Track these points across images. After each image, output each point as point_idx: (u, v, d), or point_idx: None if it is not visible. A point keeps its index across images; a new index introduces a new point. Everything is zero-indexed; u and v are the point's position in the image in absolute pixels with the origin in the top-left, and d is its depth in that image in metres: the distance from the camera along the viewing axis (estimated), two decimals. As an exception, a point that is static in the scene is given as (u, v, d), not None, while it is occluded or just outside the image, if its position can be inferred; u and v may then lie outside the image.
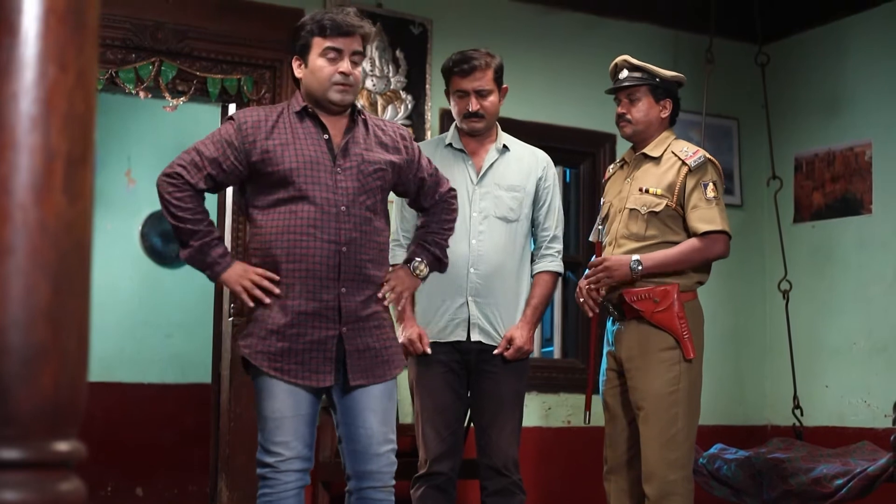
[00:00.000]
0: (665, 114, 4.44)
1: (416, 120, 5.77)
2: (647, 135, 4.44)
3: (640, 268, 4.23)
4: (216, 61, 5.39)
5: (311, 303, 3.48)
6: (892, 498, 5.08)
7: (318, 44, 3.56)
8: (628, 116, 4.42)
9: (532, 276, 4.48)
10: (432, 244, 3.80)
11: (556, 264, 4.45)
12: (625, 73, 4.44)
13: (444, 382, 4.29)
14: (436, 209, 3.82)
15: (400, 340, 4.14)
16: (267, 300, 3.48)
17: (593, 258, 4.45)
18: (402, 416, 5.38)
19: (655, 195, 4.34)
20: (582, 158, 6.40)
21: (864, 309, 6.22)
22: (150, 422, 7.38)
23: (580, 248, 6.30)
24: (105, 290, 7.05)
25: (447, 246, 3.86)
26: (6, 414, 1.11)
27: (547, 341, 6.80)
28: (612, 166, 4.70)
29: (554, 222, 4.45)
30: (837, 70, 6.50)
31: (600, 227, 4.57)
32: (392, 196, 3.95)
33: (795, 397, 5.98)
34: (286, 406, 3.47)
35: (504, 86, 4.38)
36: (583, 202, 6.37)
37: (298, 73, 3.63)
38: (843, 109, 6.43)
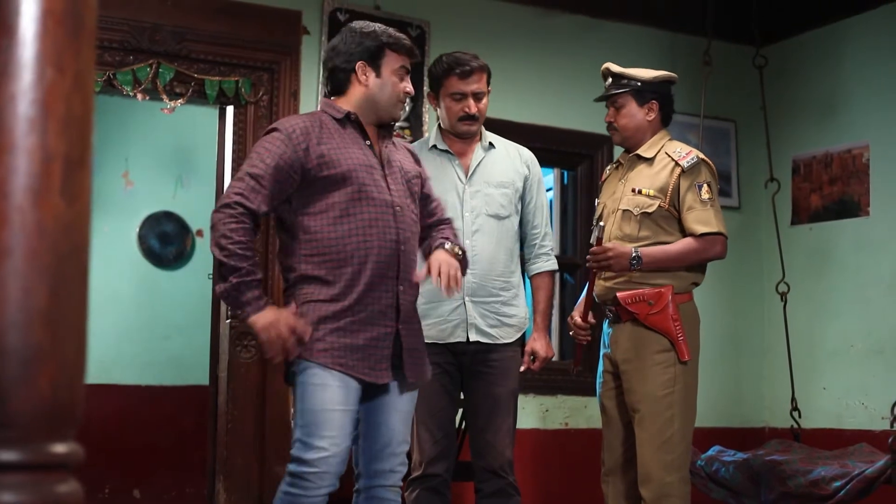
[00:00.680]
0: (651, 116, 4.45)
1: (413, 122, 5.77)
2: (637, 139, 4.46)
3: (638, 262, 4.23)
4: (214, 63, 5.39)
5: (373, 300, 3.51)
6: (890, 500, 5.08)
7: (394, 60, 3.65)
8: (615, 125, 4.46)
9: (529, 278, 4.49)
10: (451, 237, 3.80)
11: (552, 263, 4.49)
12: (609, 82, 4.48)
13: (438, 385, 4.29)
14: (440, 225, 3.84)
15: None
16: (293, 355, 3.45)
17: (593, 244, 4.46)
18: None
19: (648, 196, 4.35)
20: (579, 160, 6.40)
21: (861, 311, 6.22)
22: (148, 424, 7.38)
23: (577, 250, 6.30)
24: (103, 293, 7.04)
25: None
26: (4, 416, 1.11)
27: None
28: (608, 167, 4.71)
29: (543, 219, 4.48)
30: (835, 72, 6.50)
31: (594, 227, 4.59)
32: None
33: (793, 399, 5.98)
34: (338, 399, 3.43)
35: (489, 88, 4.42)
36: (580, 204, 6.37)
37: (366, 82, 3.64)
38: (840, 111, 6.43)
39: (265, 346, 3.42)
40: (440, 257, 3.58)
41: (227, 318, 5.38)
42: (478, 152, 4.41)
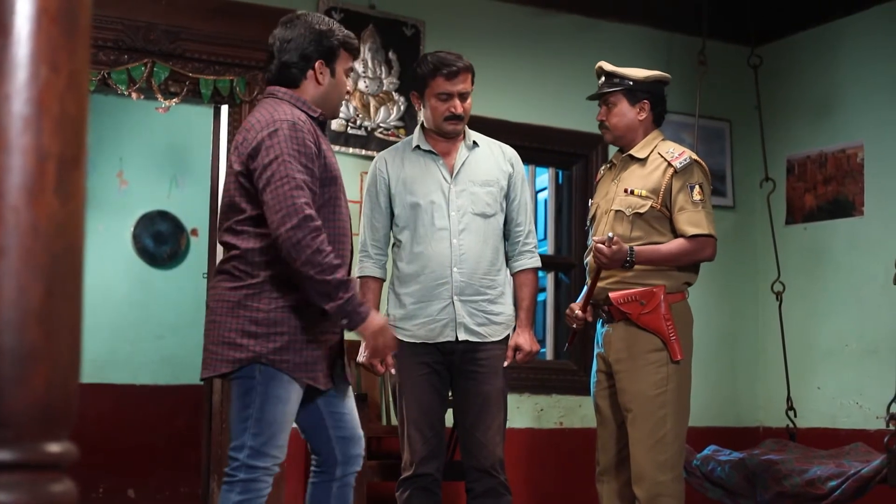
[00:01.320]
0: (643, 115, 4.45)
1: (408, 121, 5.77)
2: (629, 138, 4.47)
3: (631, 259, 4.23)
4: (209, 62, 5.39)
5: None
6: (886, 499, 5.08)
7: (346, 60, 3.65)
8: (606, 123, 4.47)
9: (513, 275, 4.49)
10: None
11: (535, 260, 4.49)
12: (602, 80, 4.49)
13: (427, 384, 4.30)
14: None
15: (360, 360, 4.22)
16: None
17: (590, 239, 4.47)
18: (394, 418, 5.38)
19: (640, 196, 4.36)
20: (574, 160, 6.40)
21: (856, 310, 6.23)
22: (142, 423, 7.38)
23: (572, 250, 6.30)
24: (97, 292, 7.04)
25: None
26: (-2, 416, 1.11)
27: (539, 343, 6.80)
28: (602, 168, 4.72)
29: (526, 217, 4.48)
30: (830, 72, 6.51)
31: (588, 228, 4.61)
32: (366, 206, 4.22)
33: (789, 399, 5.98)
34: (293, 410, 3.48)
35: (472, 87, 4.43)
36: (575, 204, 6.37)
37: (323, 80, 3.65)
38: (835, 111, 6.44)
39: (373, 352, 3.40)
40: None
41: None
42: (462, 151, 4.42)
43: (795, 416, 5.94)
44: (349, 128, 5.64)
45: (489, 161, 4.44)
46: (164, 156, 7.71)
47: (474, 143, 4.45)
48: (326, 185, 3.50)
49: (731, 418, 6.64)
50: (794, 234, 6.58)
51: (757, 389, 6.73)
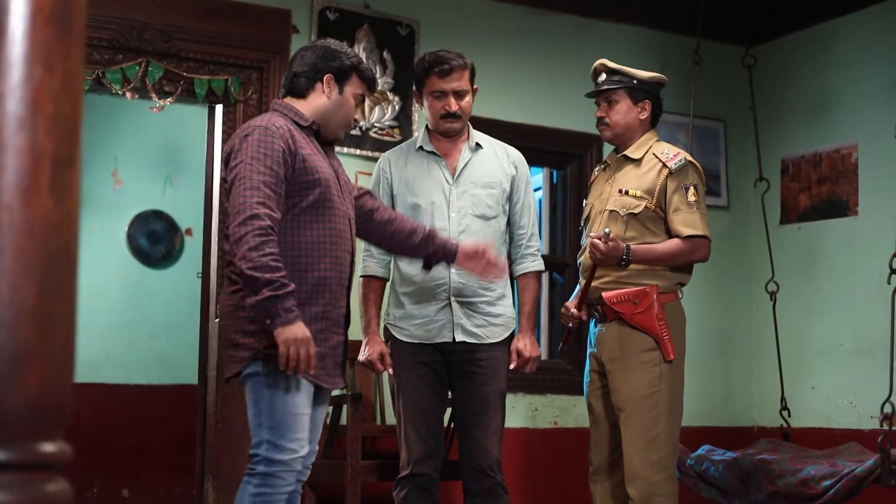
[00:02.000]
0: (644, 115, 4.46)
1: (403, 121, 5.77)
2: (627, 137, 4.47)
3: (627, 258, 4.23)
4: (203, 62, 5.38)
5: (334, 308, 3.58)
6: (880, 499, 5.09)
7: (357, 85, 3.73)
8: (607, 120, 4.47)
9: (515, 278, 4.49)
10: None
11: (538, 263, 4.49)
12: (603, 77, 4.48)
13: (425, 384, 4.30)
14: (425, 229, 3.94)
15: (361, 359, 4.23)
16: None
17: (585, 237, 4.47)
18: (389, 418, 5.38)
19: (635, 197, 4.36)
20: (569, 160, 6.40)
21: (850, 310, 6.23)
22: (137, 423, 7.36)
23: (567, 250, 6.30)
24: (91, 292, 7.03)
25: None
26: (-8, 415, 1.11)
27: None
28: (596, 168, 4.73)
29: (529, 220, 4.48)
30: (824, 72, 6.52)
31: (582, 228, 4.61)
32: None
33: (783, 398, 5.98)
34: (304, 403, 3.50)
35: (475, 86, 4.41)
36: (570, 204, 6.37)
37: (329, 94, 3.73)
38: (829, 111, 6.45)
39: (282, 359, 3.38)
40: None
41: (216, 317, 5.37)
42: (465, 153, 4.41)
43: (789, 415, 5.94)
44: (344, 127, 5.64)
45: (492, 163, 4.43)
46: (159, 155, 7.70)
47: (477, 144, 4.44)
48: (310, 187, 3.53)
49: (725, 418, 6.64)
50: (788, 234, 6.58)
51: (751, 389, 6.74)
